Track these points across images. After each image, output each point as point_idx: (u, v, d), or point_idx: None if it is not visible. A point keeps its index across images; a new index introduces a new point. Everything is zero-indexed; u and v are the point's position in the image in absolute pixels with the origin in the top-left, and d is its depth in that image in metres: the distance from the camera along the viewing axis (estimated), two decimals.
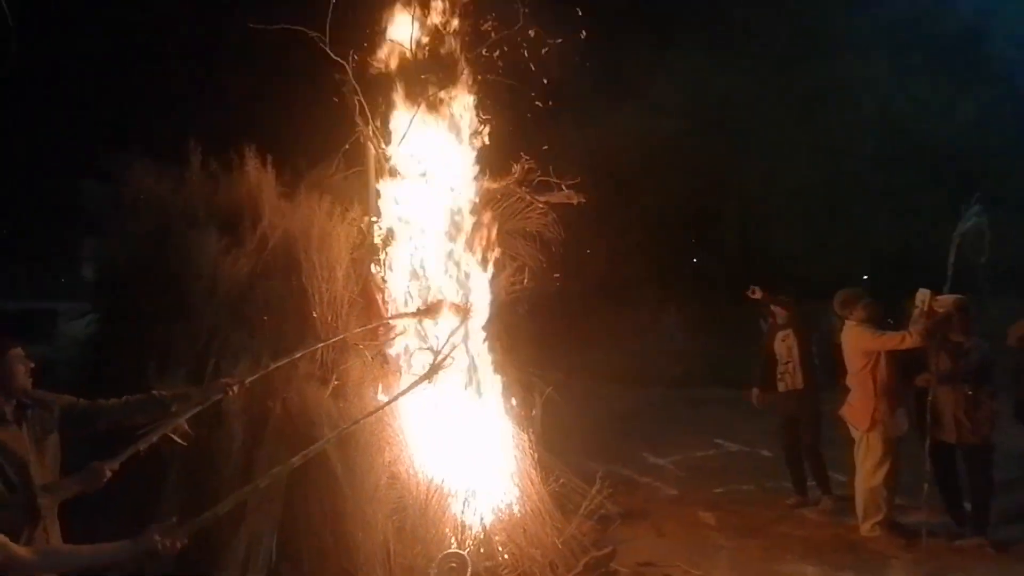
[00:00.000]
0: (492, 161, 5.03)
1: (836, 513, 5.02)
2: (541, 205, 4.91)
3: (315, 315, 4.09)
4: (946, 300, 4.44)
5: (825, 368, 5.50)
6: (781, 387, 5.44)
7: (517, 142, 5.07)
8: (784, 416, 5.50)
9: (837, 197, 13.06)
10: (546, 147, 5.19)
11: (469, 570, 3.45)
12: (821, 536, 4.61)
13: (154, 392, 2.82)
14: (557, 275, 5.67)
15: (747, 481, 6.00)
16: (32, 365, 2.46)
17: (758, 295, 5.57)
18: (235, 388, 2.90)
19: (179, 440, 2.76)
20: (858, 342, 4.65)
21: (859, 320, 4.71)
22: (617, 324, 12.14)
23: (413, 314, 4.27)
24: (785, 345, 5.44)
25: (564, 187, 5.04)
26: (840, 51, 11.08)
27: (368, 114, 4.48)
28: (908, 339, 4.39)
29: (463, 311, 4.13)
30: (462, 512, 3.83)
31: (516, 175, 4.87)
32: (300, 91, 4.47)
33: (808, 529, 4.78)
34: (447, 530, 3.76)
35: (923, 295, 4.45)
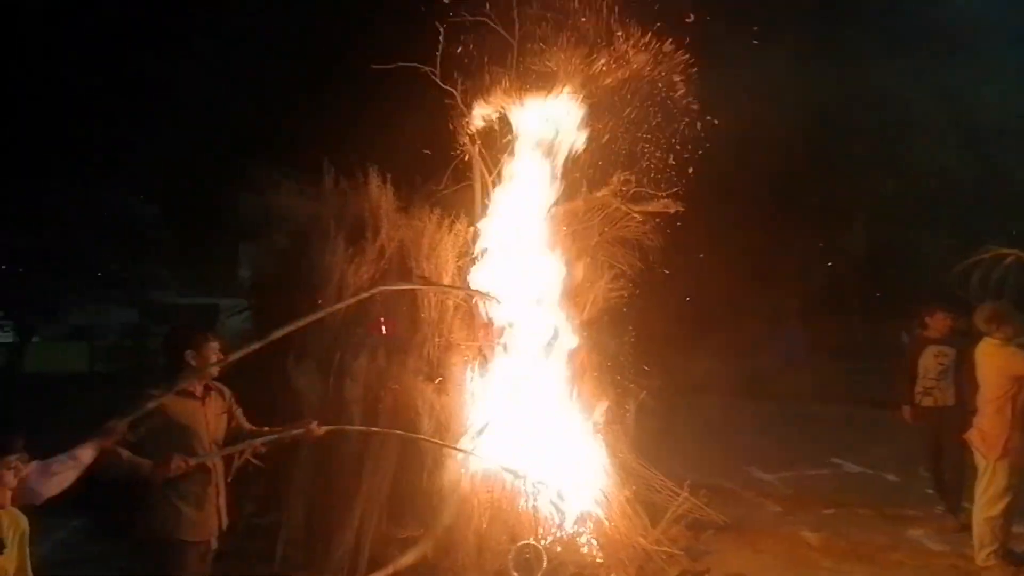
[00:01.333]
0: (591, 173, 5.27)
1: (957, 543, 4.66)
2: (637, 216, 5.05)
3: (423, 316, 4.59)
4: None
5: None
6: (928, 402, 5.24)
7: (617, 151, 5.26)
8: (932, 433, 5.27)
9: (987, 197, 11.61)
10: (656, 152, 5.32)
11: (544, 562, 3.70)
12: (936, 565, 4.34)
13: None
14: (666, 273, 5.75)
15: (864, 505, 5.68)
16: (223, 357, 2.96)
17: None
18: (314, 428, 3.16)
19: (253, 460, 3.06)
20: (1007, 364, 4.27)
21: (1006, 339, 4.33)
22: (731, 334, 11.74)
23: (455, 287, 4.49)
24: (937, 360, 5.22)
25: (662, 197, 5.14)
26: (989, 36, 9.87)
27: (474, 134, 4.91)
28: None
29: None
30: (545, 506, 4.09)
31: (613, 187, 5.07)
32: (417, 115, 5.00)
33: (923, 559, 4.49)
34: (530, 522, 4.05)
35: None
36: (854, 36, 11.06)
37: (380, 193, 5.02)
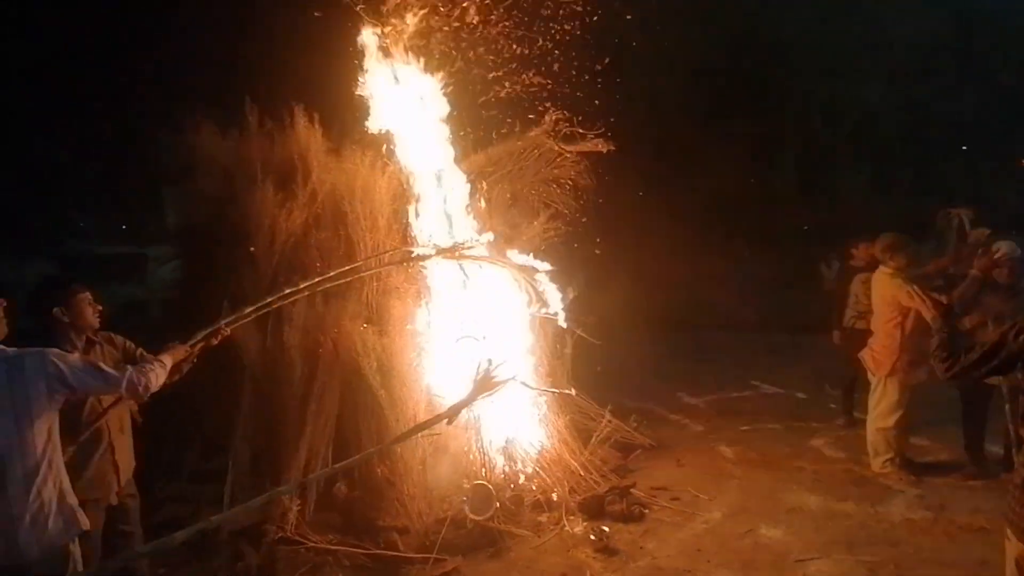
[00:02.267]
0: (523, 114, 5.29)
1: (854, 451, 5.25)
2: (569, 155, 5.14)
3: (360, 261, 4.61)
4: (982, 232, 4.39)
5: None
6: (861, 325, 5.53)
7: (548, 93, 5.28)
8: (849, 352, 5.63)
9: (908, 129, 12.25)
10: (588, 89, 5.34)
11: (496, 501, 3.98)
12: (832, 470, 4.88)
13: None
14: (584, 219, 5.90)
15: (775, 420, 6.26)
16: (100, 308, 2.82)
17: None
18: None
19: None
20: (892, 295, 4.60)
21: (898, 268, 4.65)
22: (669, 268, 12.21)
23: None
24: (865, 287, 5.50)
25: (592, 136, 5.23)
26: None
27: (400, 71, 4.79)
28: (935, 312, 4.40)
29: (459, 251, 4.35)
30: (488, 441, 4.35)
31: (545, 127, 5.11)
32: (343, 51, 4.82)
33: (822, 464, 5.05)
34: (474, 455, 4.30)
35: (965, 214, 4.38)
36: None
37: (308, 134, 4.90)
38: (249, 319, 3.57)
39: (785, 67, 12.25)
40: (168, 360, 2.69)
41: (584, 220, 5.62)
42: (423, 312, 4.62)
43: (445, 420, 3.18)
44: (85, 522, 2.25)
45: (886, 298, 4.67)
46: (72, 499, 2.22)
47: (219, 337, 3.23)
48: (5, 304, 2.22)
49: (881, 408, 4.71)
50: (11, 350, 2.15)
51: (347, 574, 3.58)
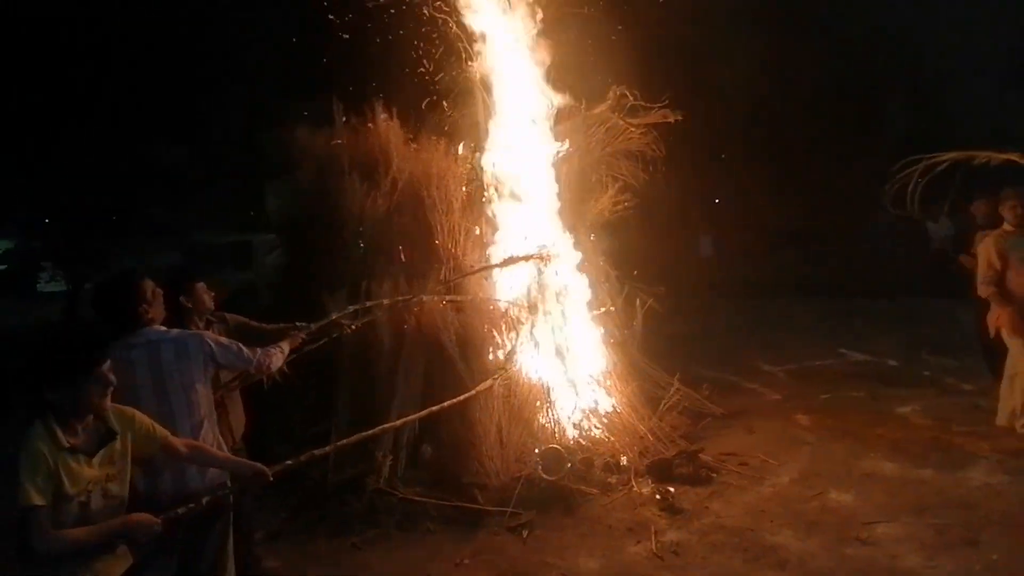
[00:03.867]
0: (589, 92, 5.44)
1: (943, 418, 5.11)
2: (634, 128, 5.26)
3: (437, 243, 5.04)
4: None
5: None
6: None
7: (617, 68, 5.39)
8: (982, 310, 5.34)
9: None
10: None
11: (567, 463, 4.31)
12: (915, 438, 4.79)
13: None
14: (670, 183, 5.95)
15: (859, 388, 6.13)
16: (214, 293, 3.37)
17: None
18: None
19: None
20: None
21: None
22: (750, 236, 11.89)
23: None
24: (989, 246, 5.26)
25: (658, 107, 5.31)
26: None
27: (473, 58, 5.11)
28: None
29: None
30: (559, 407, 4.67)
31: (610, 101, 5.26)
32: (416, 45, 5.21)
33: (905, 431, 4.96)
34: (547, 420, 4.65)
35: None
36: None
37: (388, 128, 5.35)
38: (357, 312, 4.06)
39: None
40: (286, 347, 3.19)
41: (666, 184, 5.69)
42: (496, 288, 4.98)
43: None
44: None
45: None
46: (223, 443, 2.79)
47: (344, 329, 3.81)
48: (163, 291, 2.69)
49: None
50: (174, 331, 2.63)
51: (435, 523, 4.05)
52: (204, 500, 2.45)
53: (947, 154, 4.42)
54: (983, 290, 4.71)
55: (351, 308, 4.15)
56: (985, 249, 4.71)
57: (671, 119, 5.49)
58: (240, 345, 2.83)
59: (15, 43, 10.68)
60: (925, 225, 10.99)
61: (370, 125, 5.37)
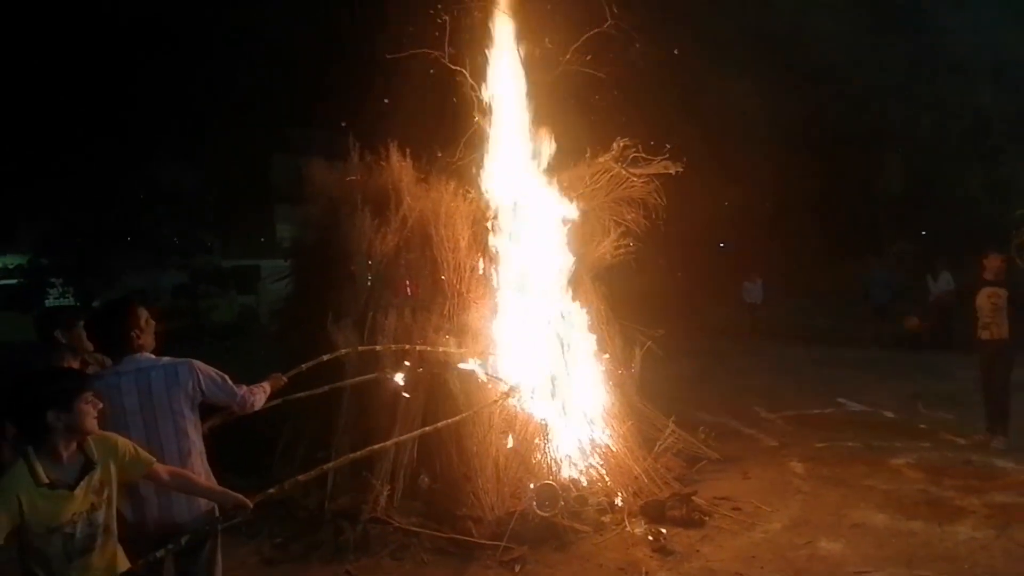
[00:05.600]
0: (594, 141, 5.71)
1: (934, 472, 5.18)
2: (637, 179, 5.50)
3: (443, 278, 5.23)
4: None
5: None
6: (985, 336, 5.85)
7: (618, 120, 5.69)
8: (986, 361, 5.93)
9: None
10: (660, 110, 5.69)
11: (561, 500, 4.40)
12: (907, 490, 4.86)
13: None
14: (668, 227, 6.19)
15: (855, 438, 6.21)
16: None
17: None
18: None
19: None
20: None
21: None
22: (729, 281, 12.08)
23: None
24: (991, 301, 5.80)
25: (660, 159, 5.56)
26: None
27: (484, 108, 5.40)
28: None
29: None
30: (554, 447, 4.78)
31: (615, 152, 5.51)
32: (432, 92, 5.52)
33: (898, 483, 5.03)
34: (544, 457, 4.75)
35: None
36: None
37: (401, 166, 5.61)
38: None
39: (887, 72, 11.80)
40: (268, 387, 3.12)
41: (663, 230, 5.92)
42: (496, 324, 5.14)
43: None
44: None
45: None
46: (211, 473, 2.77)
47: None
48: (155, 320, 2.68)
49: None
50: (165, 359, 2.63)
51: (428, 554, 4.13)
52: (183, 540, 2.45)
53: None
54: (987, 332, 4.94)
55: (332, 354, 4.17)
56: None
57: (672, 171, 5.74)
58: (227, 378, 2.82)
59: (35, 59, 11.13)
60: (925, 279, 11.20)
61: (383, 163, 5.63)
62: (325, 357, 4.11)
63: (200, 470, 2.70)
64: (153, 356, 2.68)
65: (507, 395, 4.58)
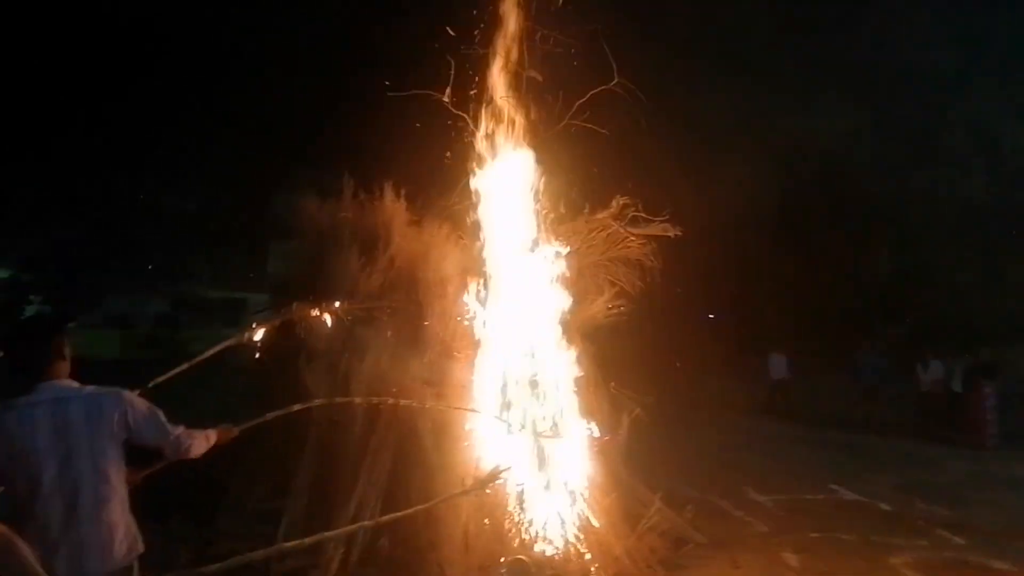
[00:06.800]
0: (595, 198, 5.55)
1: (935, 572, 4.79)
2: (634, 239, 5.31)
3: (427, 324, 4.93)
4: None
5: None
6: None
7: (618, 177, 5.55)
8: None
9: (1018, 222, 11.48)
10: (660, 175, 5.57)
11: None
12: None
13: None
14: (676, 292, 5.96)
15: (851, 531, 5.79)
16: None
17: None
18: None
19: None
20: None
21: None
22: (745, 354, 11.83)
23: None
24: None
25: (660, 220, 5.38)
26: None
27: (483, 155, 5.24)
28: None
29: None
30: (530, 517, 4.37)
31: (613, 210, 5.34)
32: (432, 135, 5.38)
33: None
34: (516, 528, 4.33)
35: None
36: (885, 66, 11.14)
37: (394, 206, 5.40)
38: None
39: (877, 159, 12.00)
40: (214, 437, 2.76)
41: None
42: (480, 376, 4.81)
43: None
44: (142, 546, 2.42)
45: None
46: (134, 524, 2.40)
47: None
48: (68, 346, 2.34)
49: None
50: (89, 388, 2.32)
51: None
52: None
53: None
54: None
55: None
56: None
57: (671, 233, 5.56)
58: (160, 414, 2.48)
59: (30, 72, 11.08)
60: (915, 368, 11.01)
61: (377, 202, 5.42)
62: (296, 407, 3.74)
63: (119, 521, 2.33)
64: (75, 384, 2.33)
65: (493, 476, 4.18)
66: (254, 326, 4.26)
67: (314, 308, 4.65)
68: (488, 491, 4.24)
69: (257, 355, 4.18)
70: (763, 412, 11.66)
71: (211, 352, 3.94)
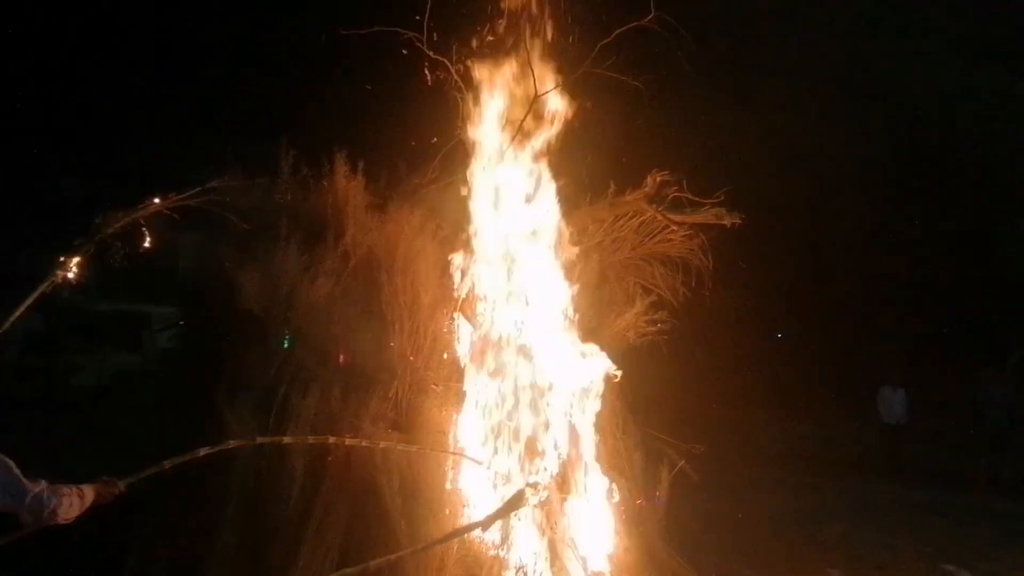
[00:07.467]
0: (623, 174, 5.57)
1: None
2: (676, 228, 5.32)
3: (392, 346, 4.92)
4: None
5: None
6: None
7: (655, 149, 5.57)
8: None
9: None
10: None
11: None
12: None
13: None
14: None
15: None
16: None
17: None
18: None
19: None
20: None
21: None
22: (816, 389, 11.84)
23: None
24: None
25: (712, 204, 5.40)
26: None
27: (472, 116, 5.25)
28: None
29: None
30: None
31: (647, 189, 5.35)
32: (399, 93, 5.39)
33: None
34: None
35: None
36: None
37: (349, 185, 5.40)
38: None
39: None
40: (90, 494, 2.83)
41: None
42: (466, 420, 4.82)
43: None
44: None
45: None
46: None
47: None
48: None
49: None
50: None
51: None
52: None
53: None
54: None
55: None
56: None
57: (726, 222, 5.58)
58: (13, 467, 2.55)
59: None
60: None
61: (325, 181, 5.41)
62: (202, 451, 3.73)
63: None
64: None
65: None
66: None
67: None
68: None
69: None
70: (864, 469, 11.58)
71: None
